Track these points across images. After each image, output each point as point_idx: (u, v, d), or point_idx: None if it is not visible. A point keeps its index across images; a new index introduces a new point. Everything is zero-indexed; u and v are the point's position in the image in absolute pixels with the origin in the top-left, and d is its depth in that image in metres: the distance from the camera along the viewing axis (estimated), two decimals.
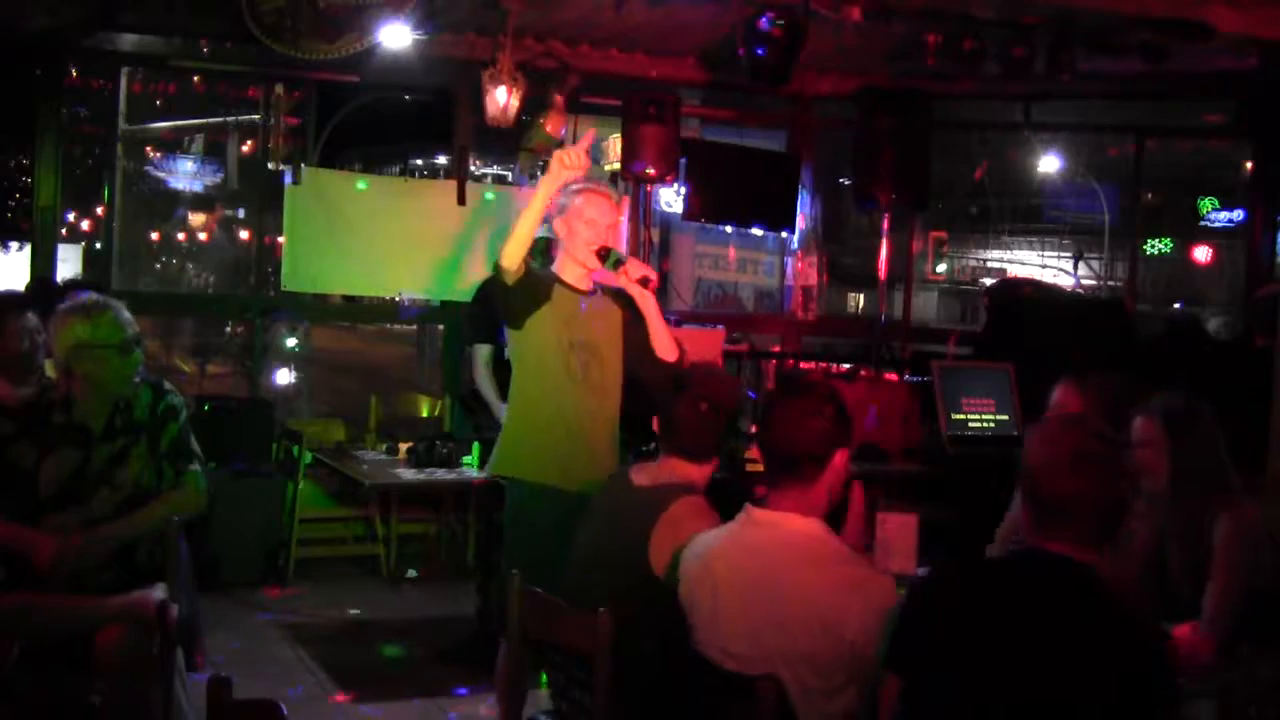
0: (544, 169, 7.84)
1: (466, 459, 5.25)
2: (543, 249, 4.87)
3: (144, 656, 3.25)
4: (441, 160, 21.14)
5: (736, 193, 7.77)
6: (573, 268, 4.09)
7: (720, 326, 7.29)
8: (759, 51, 6.02)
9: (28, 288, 6.43)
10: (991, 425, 6.03)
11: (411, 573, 6.91)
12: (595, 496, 3.53)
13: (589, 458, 3.94)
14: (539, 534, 3.90)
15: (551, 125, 6.84)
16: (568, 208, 4.05)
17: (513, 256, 3.88)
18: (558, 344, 4.02)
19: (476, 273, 6.80)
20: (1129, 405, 3.58)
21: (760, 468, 3.30)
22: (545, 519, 3.91)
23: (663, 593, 3.00)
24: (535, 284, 3.99)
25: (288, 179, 7.19)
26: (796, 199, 7.96)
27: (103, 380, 3.68)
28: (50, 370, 4.36)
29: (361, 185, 7.44)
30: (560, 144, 7.17)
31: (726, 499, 4.10)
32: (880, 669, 2.53)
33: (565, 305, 4.06)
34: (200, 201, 19.64)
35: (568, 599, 3.10)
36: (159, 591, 3.29)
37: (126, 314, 3.75)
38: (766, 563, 2.75)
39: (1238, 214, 19.35)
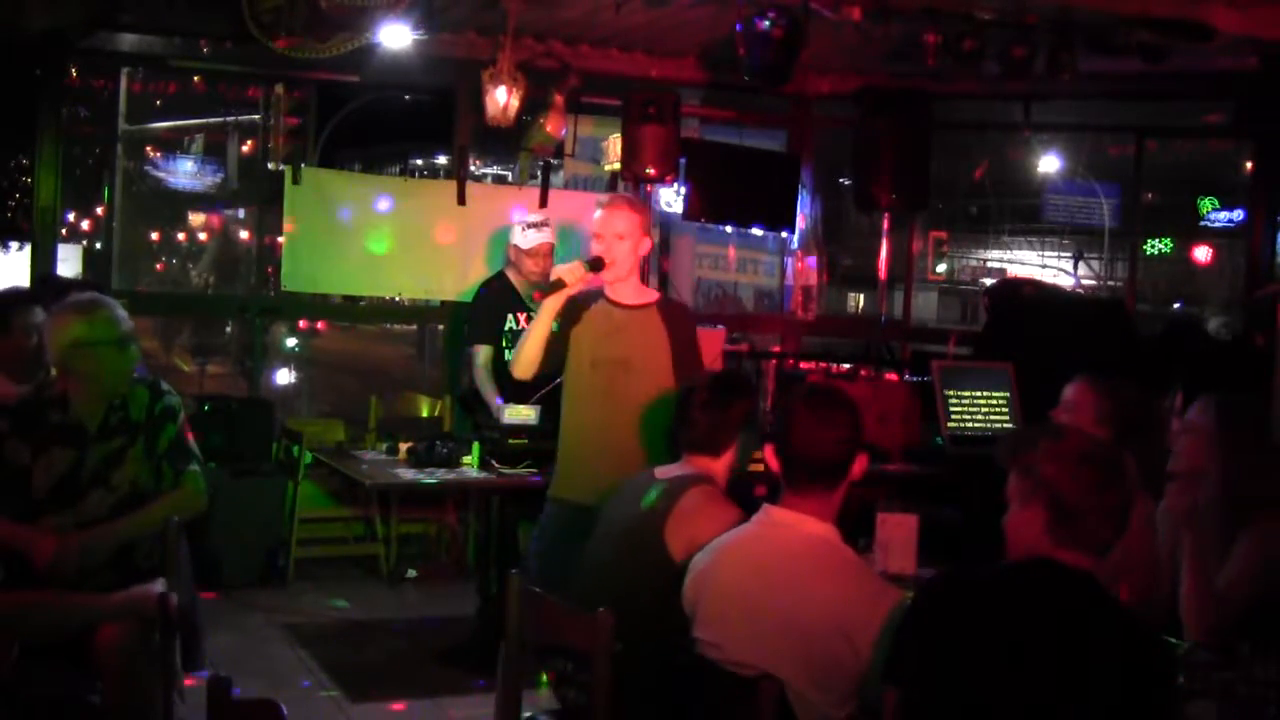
0: (544, 169, 7.84)
1: (466, 459, 5.24)
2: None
3: (144, 656, 3.25)
4: (441, 160, 21.13)
5: (736, 193, 7.76)
6: (615, 285, 4.13)
7: (720, 326, 7.29)
8: (759, 51, 6.01)
9: (32, 285, 6.42)
10: (992, 425, 6.02)
11: (411, 573, 6.90)
12: (619, 487, 3.47)
13: (618, 472, 3.70)
14: (558, 548, 3.96)
15: (551, 125, 6.83)
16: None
17: (524, 370, 4.07)
18: (580, 362, 4.06)
19: (476, 273, 6.79)
20: (1138, 412, 3.55)
21: (759, 467, 3.30)
22: (563, 534, 3.96)
23: (679, 579, 2.99)
24: (563, 325, 4.06)
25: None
26: (796, 199, 7.95)
27: (100, 377, 3.66)
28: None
29: (372, 187, 7.44)
30: (560, 144, 7.17)
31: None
32: (880, 682, 2.52)
33: (598, 323, 4.09)
34: (200, 201, 19.62)
35: (586, 586, 3.14)
36: (158, 586, 3.29)
37: (121, 311, 3.75)
38: (780, 564, 2.75)
39: (1238, 214, 19.36)
